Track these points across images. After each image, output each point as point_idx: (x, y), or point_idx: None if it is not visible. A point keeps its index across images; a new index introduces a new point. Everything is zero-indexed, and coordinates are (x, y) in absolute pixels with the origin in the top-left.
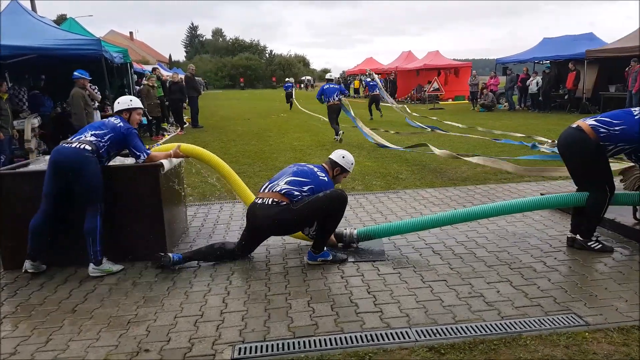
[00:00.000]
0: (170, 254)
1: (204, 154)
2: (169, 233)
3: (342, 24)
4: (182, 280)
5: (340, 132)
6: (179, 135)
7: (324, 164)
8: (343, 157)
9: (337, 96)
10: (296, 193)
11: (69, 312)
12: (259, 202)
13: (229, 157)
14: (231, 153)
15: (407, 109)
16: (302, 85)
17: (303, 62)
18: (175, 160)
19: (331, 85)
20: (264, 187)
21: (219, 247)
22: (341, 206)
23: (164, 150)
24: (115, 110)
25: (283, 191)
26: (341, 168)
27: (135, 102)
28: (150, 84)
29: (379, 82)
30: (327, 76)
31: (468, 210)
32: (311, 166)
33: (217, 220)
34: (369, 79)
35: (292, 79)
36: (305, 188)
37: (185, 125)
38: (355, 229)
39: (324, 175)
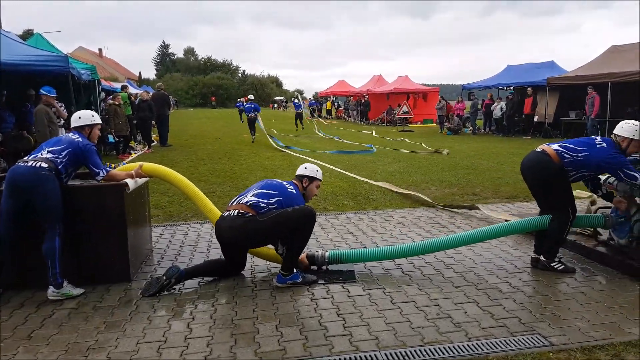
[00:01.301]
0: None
1: (166, 173)
2: (132, 255)
3: (316, 46)
4: (146, 305)
5: (253, 137)
6: (146, 153)
7: (293, 180)
8: (305, 167)
9: (253, 113)
10: (262, 205)
11: (24, 338)
12: (226, 214)
13: (197, 176)
14: (200, 172)
15: (315, 125)
16: (275, 106)
17: (276, 82)
18: (140, 180)
19: (249, 105)
20: (232, 200)
21: (216, 262)
22: (309, 222)
23: (126, 170)
24: (76, 125)
25: (249, 203)
26: (308, 178)
27: (97, 118)
28: (117, 103)
29: (302, 103)
30: (250, 96)
31: (437, 240)
32: (281, 181)
33: (184, 242)
34: (296, 100)
35: (243, 99)
36: (273, 200)
37: (153, 144)
38: (327, 251)
39: (292, 188)
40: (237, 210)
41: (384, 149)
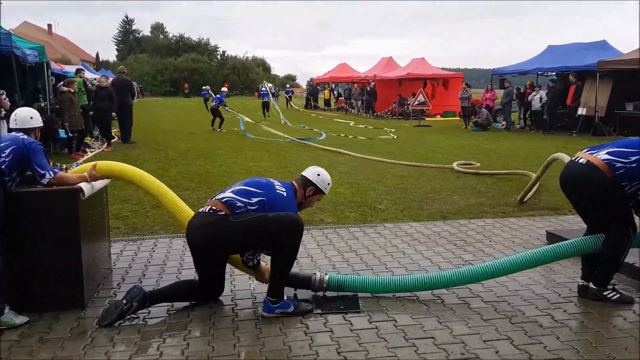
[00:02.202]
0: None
1: (126, 170)
2: (87, 276)
3: (310, 22)
4: (103, 337)
5: (212, 127)
6: (104, 152)
7: (293, 181)
8: (318, 174)
9: (215, 102)
10: (239, 204)
11: None
12: (199, 211)
13: (167, 180)
14: (170, 175)
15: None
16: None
17: (263, 66)
18: (98, 184)
19: (215, 96)
20: (211, 197)
21: (188, 284)
22: (292, 232)
23: (80, 172)
24: (25, 126)
25: (224, 199)
26: (315, 188)
27: (40, 118)
28: (72, 90)
29: (269, 92)
30: (223, 89)
31: (468, 270)
32: (273, 180)
33: (149, 261)
34: (263, 89)
35: (208, 87)
36: (254, 200)
37: (113, 140)
38: (327, 274)
39: (284, 190)
40: (209, 207)
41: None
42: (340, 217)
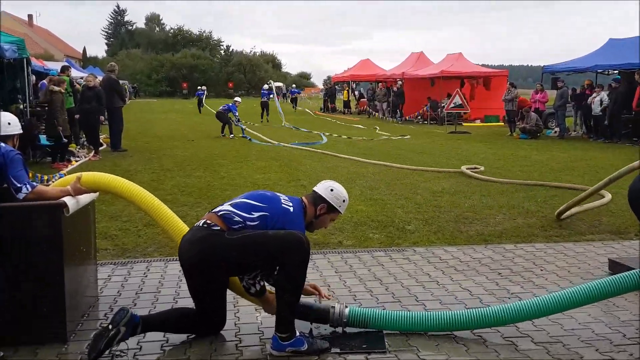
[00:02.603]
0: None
1: (115, 182)
2: (70, 304)
3: (329, 12)
4: None
5: (222, 134)
6: (92, 161)
7: (303, 197)
8: (331, 189)
9: (223, 107)
10: (237, 218)
11: None
12: (194, 226)
13: (162, 193)
14: (165, 188)
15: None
16: (271, 95)
17: (272, 62)
18: (84, 199)
19: (228, 105)
20: (209, 211)
21: (185, 313)
22: (295, 254)
23: (62, 185)
24: (5, 133)
25: (221, 213)
26: (328, 205)
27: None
28: (64, 91)
29: (274, 92)
30: (236, 99)
31: (516, 305)
32: (279, 194)
33: (141, 287)
34: (266, 88)
35: (204, 87)
36: (255, 215)
37: (101, 148)
38: (347, 306)
39: (290, 205)
40: (204, 220)
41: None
42: (362, 239)
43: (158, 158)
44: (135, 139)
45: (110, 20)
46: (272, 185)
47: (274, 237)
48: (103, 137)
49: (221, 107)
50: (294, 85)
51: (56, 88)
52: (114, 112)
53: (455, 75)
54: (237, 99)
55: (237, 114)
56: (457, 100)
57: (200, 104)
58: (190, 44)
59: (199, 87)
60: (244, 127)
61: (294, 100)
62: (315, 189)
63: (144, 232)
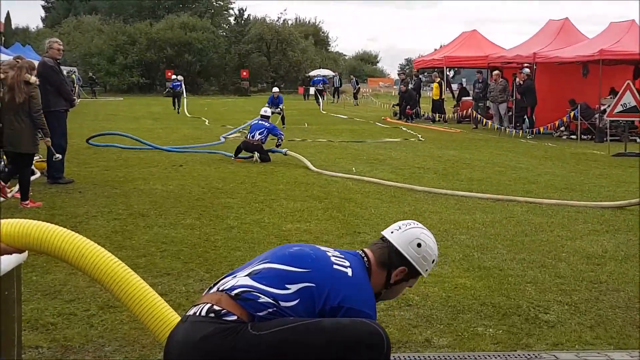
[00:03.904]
0: None
1: (51, 236)
2: None
3: None
4: None
5: (233, 157)
6: (17, 199)
7: (363, 250)
8: (419, 244)
9: (260, 134)
10: (264, 299)
11: None
12: (190, 313)
13: (130, 254)
14: (135, 245)
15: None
16: (312, 91)
17: (315, 36)
18: (3, 262)
19: (260, 121)
20: (212, 286)
21: None
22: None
23: None
24: None
25: (236, 291)
26: (410, 268)
27: None
28: (33, 82)
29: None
30: (262, 112)
31: None
32: (325, 248)
33: None
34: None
35: (181, 77)
36: (292, 289)
37: (34, 178)
38: None
39: (347, 265)
40: (208, 306)
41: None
42: (466, 335)
43: (124, 195)
44: (88, 163)
45: None
46: (314, 241)
47: (332, 330)
48: (36, 159)
49: (253, 134)
50: (320, 75)
51: (33, 78)
52: (52, 120)
53: (624, 58)
54: (266, 109)
55: (281, 135)
56: (629, 99)
57: (176, 100)
58: (179, 6)
59: (173, 77)
60: (284, 151)
61: (320, 95)
62: (389, 238)
63: (98, 319)
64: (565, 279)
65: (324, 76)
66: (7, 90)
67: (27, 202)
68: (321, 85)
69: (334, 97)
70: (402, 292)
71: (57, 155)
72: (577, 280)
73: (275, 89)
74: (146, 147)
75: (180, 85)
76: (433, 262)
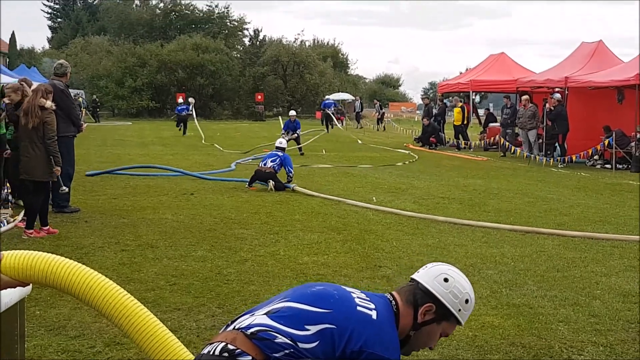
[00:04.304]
0: None
1: (55, 268)
2: None
3: None
4: None
5: (248, 185)
6: (20, 228)
7: (394, 293)
8: (445, 279)
9: (273, 162)
10: (281, 339)
11: None
12: (204, 352)
13: (138, 287)
14: (144, 278)
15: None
16: (331, 115)
17: (334, 57)
18: (5, 297)
19: (275, 151)
20: (229, 323)
21: None
22: None
23: None
24: None
25: (252, 330)
26: (439, 307)
27: None
28: (48, 106)
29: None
30: (277, 143)
31: None
32: (350, 288)
33: None
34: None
35: (192, 99)
36: (312, 330)
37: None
38: None
39: (372, 306)
40: (222, 345)
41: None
42: None
43: (132, 224)
44: (95, 191)
45: None
46: (332, 274)
47: None
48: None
49: (265, 161)
50: (328, 98)
51: (48, 103)
52: (61, 146)
53: None
54: (281, 141)
55: (292, 171)
56: None
57: (181, 124)
58: (192, 27)
59: (181, 101)
60: (292, 187)
61: (328, 118)
62: (415, 277)
63: (105, 357)
64: (600, 318)
65: (337, 99)
66: (22, 115)
67: (31, 231)
68: (332, 109)
69: (357, 121)
70: (435, 340)
71: (64, 187)
72: (612, 320)
73: (292, 113)
74: (155, 174)
75: (187, 109)
76: (467, 302)
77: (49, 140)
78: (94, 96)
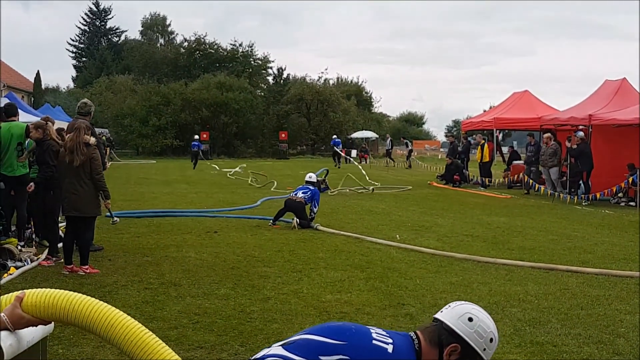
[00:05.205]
0: None
1: (78, 307)
2: None
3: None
4: None
5: (272, 222)
6: (43, 267)
7: (418, 332)
8: (470, 318)
9: (304, 193)
10: None
11: None
12: None
13: (161, 325)
14: (167, 317)
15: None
16: (354, 154)
17: (358, 95)
18: (28, 335)
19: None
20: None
21: None
22: None
23: None
24: None
25: None
26: (463, 347)
27: None
28: (92, 142)
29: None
30: (307, 177)
31: None
32: (370, 327)
33: None
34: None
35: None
36: None
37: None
38: None
39: (389, 342)
40: None
41: None
42: None
43: (156, 263)
44: (119, 229)
45: (82, 28)
46: (355, 313)
47: None
48: (62, 226)
49: (296, 192)
50: (335, 136)
51: (92, 139)
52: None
53: None
54: (311, 175)
55: (316, 208)
56: None
57: (195, 158)
58: (216, 66)
59: (196, 137)
60: (315, 226)
61: (339, 158)
62: (439, 316)
63: None
64: (624, 356)
65: (361, 137)
66: (67, 153)
67: (87, 267)
68: (339, 147)
69: (390, 158)
70: None
71: (116, 218)
72: (636, 358)
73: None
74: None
75: (199, 145)
76: (492, 341)
77: (97, 176)
78: (108, 134)
